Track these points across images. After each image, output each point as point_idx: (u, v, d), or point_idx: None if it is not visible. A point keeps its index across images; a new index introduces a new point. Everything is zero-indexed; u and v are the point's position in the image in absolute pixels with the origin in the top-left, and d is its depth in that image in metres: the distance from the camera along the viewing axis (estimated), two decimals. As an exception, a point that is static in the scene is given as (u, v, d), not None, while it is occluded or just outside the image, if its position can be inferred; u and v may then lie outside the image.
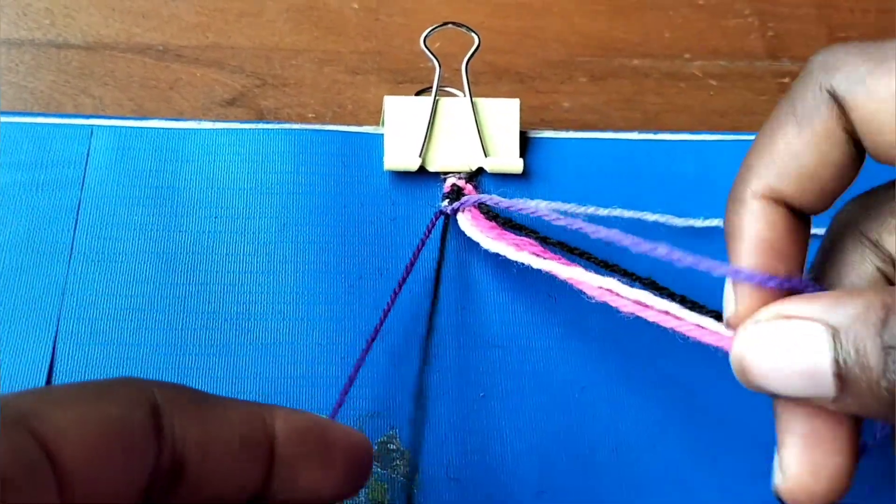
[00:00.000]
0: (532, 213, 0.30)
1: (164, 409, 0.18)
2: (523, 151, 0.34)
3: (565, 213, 0.28)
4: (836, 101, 0.20)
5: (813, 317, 0.19)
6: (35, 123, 0.32)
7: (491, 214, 0.32)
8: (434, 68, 0.33)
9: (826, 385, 0.18)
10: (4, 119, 0.32)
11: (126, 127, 0.33)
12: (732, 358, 0.20)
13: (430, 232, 0.32)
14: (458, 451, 0.29)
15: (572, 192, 0.32)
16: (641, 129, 0.35)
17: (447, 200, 0.32)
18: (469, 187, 0.33)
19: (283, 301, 0.31)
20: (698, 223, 0.33)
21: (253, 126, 0.33)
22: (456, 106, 0.34)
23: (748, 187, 0.22)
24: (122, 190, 0.32)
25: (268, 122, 0.34)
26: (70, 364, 0.29)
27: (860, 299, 0.18)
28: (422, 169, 0.33)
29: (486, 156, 0.33)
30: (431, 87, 0.33)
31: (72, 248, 0.31)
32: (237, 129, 0.33)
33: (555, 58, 0.41)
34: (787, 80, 0.42)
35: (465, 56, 0.33)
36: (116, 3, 0.40)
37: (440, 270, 0.32)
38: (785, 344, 0.19)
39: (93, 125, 0.33)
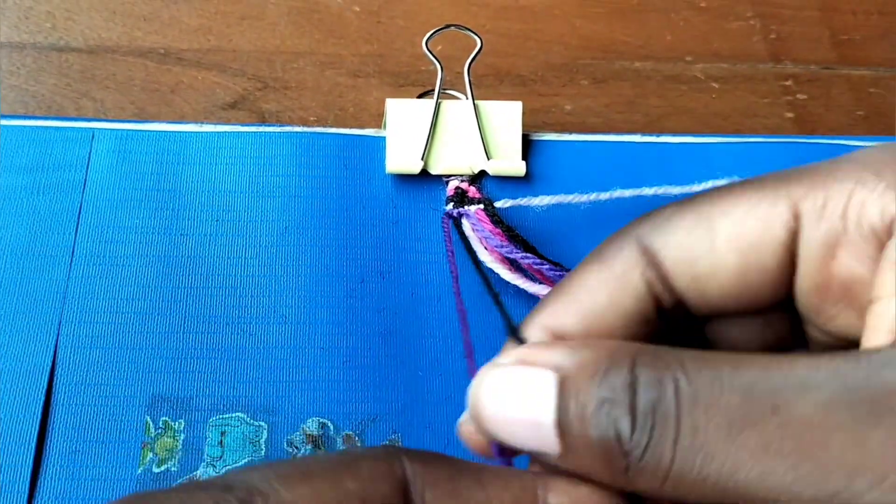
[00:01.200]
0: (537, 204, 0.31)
1: (413, 486, 0.17)
2: (525, 154, 0.34)
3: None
4: (641, 247, 0.20)
5: (547, 364, 0.17)
6: (36, 127, 0.32)
7: (496, 219, 0.32)
8: (436, 71, 0.33)
9: (550, 439, 0.17)
10: (6, 122, 0.32)
11: (127, 130, 0.33)
12: (468, 401, 0.19)
13: (449, 237, 0.31)
14: (460, 456, 0.29)
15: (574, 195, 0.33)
16: (643, 132, 0.35)
17: (451, 204, 0.32)
18: (473, 189, 0.33)
19: (284, 304, 0.31)
20: (695, 188, 0.33)
21: (254, 129, 0.33)
22: (458, 109, 0.33)
23: (536, 316, 0.20)
24: (123, 193, 0.32)
25: (269, 126, 0.34)
26: (71, 368, 0.29)
27: (591, 348, 0.17)
28: (424, 172, 0.33)
29: (488, 158, 0.33)
30: (433, 90, 0.33)
31: (73, 252, 0.31)
32: (238, 133, 0.33)
33: (557, 60, 0.41)
34: (789, 82, 0.42)
35: (467, 59, 0.33)
36: (118, 7, 0.40)
37: (445, 274, 0.32)
38: (516, 391, 0.18)
39: (94, 128, 0.33)
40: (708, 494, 0.16)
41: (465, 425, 0.21)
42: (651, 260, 0.20)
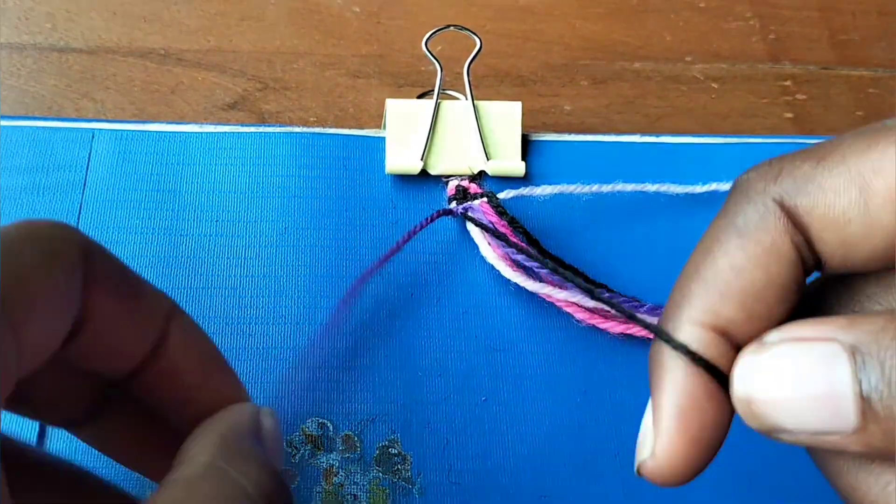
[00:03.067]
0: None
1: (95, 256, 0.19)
2: (525, 154, 0.34)
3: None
4: (783, 208, 0.18)
5: (828, 336, 0.16)
6: (37, 127, 0.32)
7: (500, 209, 0.32)
8: (435, 71, 0.33)
9: (847, 414, 0.16)
10: (6, 123, 0.32)
11: (127, 131, 0.33)
12: (736, 397, 0.17)
13: (425, 225, 0.31)
14: (459, 456, 0.29)
15: (574, 195, 0.33)
16: (643, 132, 0.35)
17: (454, 202, 0.32)
18: (474, 186, 0.33)
19: (284, 305, 0.31)
20: (697, 189, 0.33)
21: (254, 129, 0.33)
22: (458, 109, 0.34)
23: (683, 313, 0.18)
24: (123, 193, 0.32)
25: (269, 126, 0.34)
26: (71, 368, 0.29)
27: (877, 317, 0.16)
28: (423, 172, 0.33)
29: (487, 159, 0.33)
30: (433, 91, 0.33)
31: (73, 252, 0.31)
32: (238, 133, 0.33)
33: (556, 61, 0.41)
34: (788, 83, 0.42)
35: (466, 59, 0.33)
36: (118, 7, 0.40)
37: (441, 274, 0.32)
38: (798, 369, 0.16)
39: (94, 129, 0.33)
40: None
41: (648, 463, 0.19)
42: (797, 224, 0.18)
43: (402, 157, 0.33)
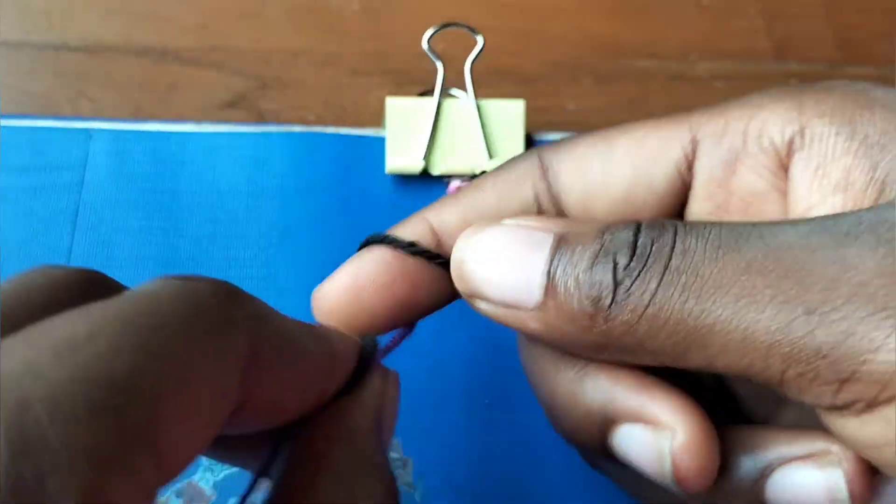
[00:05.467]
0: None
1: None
2: (528, 154, 0.33)
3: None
4: (541, 163, 0.21)
5: (540, 226, 0.18)
6: (34, 127, 0.32)
7: None
8: (436, 71, 0.33)
9: (533, 289, 0.18)
10: (3, 122, 0.32)
11: (125, 130, 0.32)
12: (452, 263, 0.19)
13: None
14: (461, 460, 0.29)
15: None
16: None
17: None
18: (473, 190, 0.32)
19: (283, 306, 0.30)
20: None
21: (253, 129, 0.33)
22: (459, 108, 0.33)
23: (417, 214, 0.21)
24: (120, 193, 0.31)
25: (268, 125, 0.33)
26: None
27: (592, 222, 0.18)
28: (424, 172, 0.33)
29: (489, 158, 0.33)
30: (434, 89, 0.33)
31: (70, 252, 0.30)
32: (237, 132, 0.33)
33: (559, 59, 0.41)
34: (793, 81, 0.42)
35: (468, 57, 0.33)
36: (115, 5, 0.39)
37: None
38: (508, 245, 0.18)
39: (91, 128, 0.32)
40: (681, 331, 0.16)
41: (322, 295, 0.21)
42: (545, 173, 0.21)
43: (402, 157, 0.32)
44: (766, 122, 0.20)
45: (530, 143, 0.34)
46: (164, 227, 0.31)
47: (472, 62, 0.33)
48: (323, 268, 0.31)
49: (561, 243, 0.18)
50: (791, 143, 0.19)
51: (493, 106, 0.33)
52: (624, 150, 0.21)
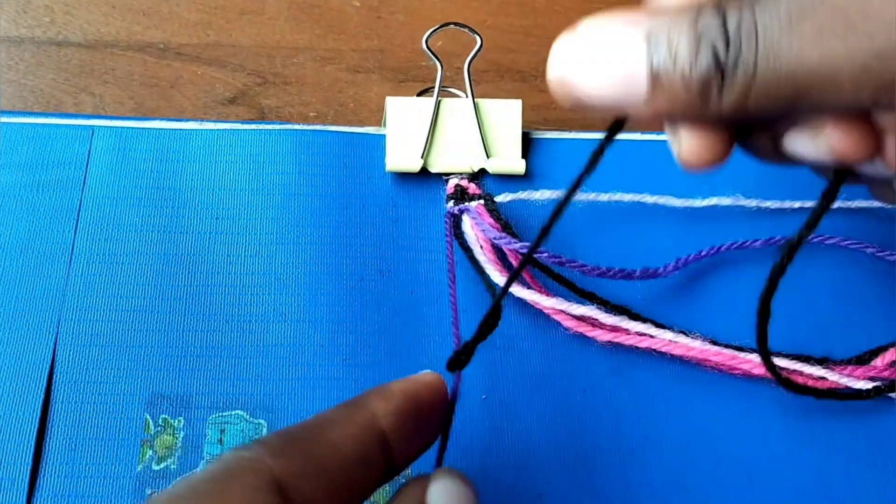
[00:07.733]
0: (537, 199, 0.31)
1: (285, 481, 0.18)
2: (525, 152, 0.34)
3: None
4: None
5: (629, 24, 0.19)
6: (36, 124, 0.32)
7: (496, 214, 0.31)
8: (436, 66, 0.33)
9: (639, 87, 0.19)
10: (5, 119, 0.32)
11: (127, 128, 0.33)
12: (553, 84, 0.20)
13: (451, 234, 0.32)
14: (458, 454, 0.29)
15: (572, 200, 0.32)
16: (644, 130, 0.35)
17: (452, 201, 0.32)
18: (473, 186, 0.33)
19: (284, 302, 0.31)
20: (697, 203, 0.33)
21: (254, 127, 0.33)
22: (458, 107, 0.33)
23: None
24: (123, 191, 0.32)
25: (269, 123, 0.34)
26: (70, 365, 0.29)
27: (675, 6, 0.19)
28: (424, 170, 0.33)
29: (488, 157, 0.33)
30: (433, 88, 0.33)
31: (72, 249, 0.31)
32: (238, 130, 0.33)
33: (557, 56, 0.41)
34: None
35: (467, 55, 0.33)
36: (117, 1, 0.39)
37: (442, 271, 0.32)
38: (604, 52, 0.19)
39: (94, 126, 0.33)
40: (783, 88, 0.18)
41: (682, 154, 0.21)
42: None
43: (402, 155, 0.33)
44: None
45: (527, 141, 0.34)
46: (165, 223, 0.31)
47: (471, 62, 0.33)
48: (323, 264, 0.32)
49: (651, 39, 0.19)
50: None
51: (492, 105, 0.34)
52: None
